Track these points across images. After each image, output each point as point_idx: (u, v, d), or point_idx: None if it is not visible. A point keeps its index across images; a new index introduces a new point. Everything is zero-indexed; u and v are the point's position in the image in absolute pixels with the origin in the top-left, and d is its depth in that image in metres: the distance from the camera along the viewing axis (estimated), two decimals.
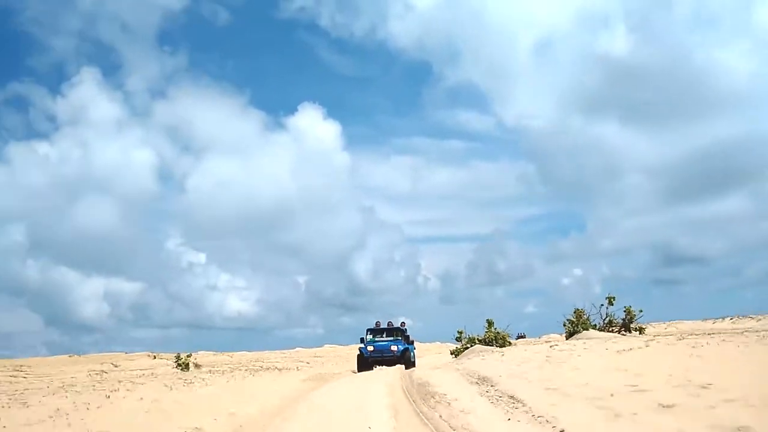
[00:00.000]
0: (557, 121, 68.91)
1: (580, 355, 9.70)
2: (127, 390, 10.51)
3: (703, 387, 5.78)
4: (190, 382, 12.22)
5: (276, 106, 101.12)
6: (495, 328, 17.26)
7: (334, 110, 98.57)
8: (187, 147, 78.48)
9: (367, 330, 19.84)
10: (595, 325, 16.05)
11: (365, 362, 18.51)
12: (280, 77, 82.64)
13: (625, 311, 15.80)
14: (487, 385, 8.51)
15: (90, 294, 55.35)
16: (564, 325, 16.11)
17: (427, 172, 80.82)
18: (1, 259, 55.72)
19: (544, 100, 73.53)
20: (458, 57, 74.55)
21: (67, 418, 7.55)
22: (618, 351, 9.38)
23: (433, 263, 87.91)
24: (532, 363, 9.75)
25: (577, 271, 70.31)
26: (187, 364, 21.09)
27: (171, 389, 10.76)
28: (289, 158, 68.71)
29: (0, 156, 69.32)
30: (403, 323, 20.58)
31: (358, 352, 19.41)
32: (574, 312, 16.07)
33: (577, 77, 65.49)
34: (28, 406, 8.75)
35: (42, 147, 65.62)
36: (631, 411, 5.40)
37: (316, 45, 78.92)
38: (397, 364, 18.06)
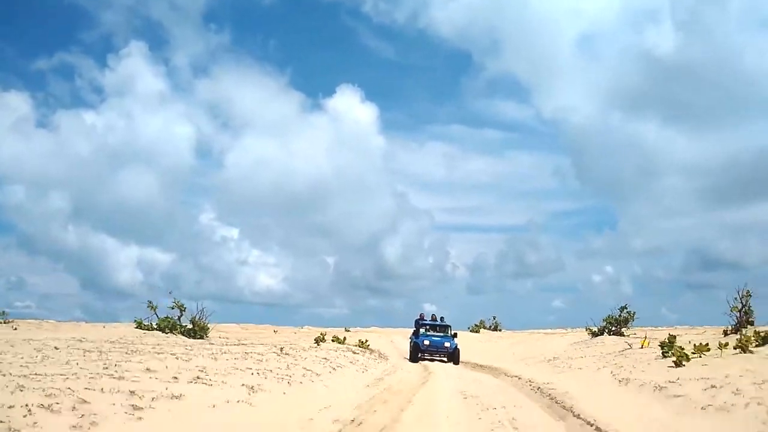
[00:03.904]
0: (596, 116, 69.58)
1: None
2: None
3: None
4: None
5: (315, 88, 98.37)
6: None
7: (372, 94, 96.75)
8: (226, 124, 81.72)
9: (420, 323, 22.38)
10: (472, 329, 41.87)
11: (419, 353, 21.07)
12: (321, 59, 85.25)
13: (480, 323, 42.37)
14: None
15: (125, 261, 59.15)
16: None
17: (462, 160, 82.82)
18: (43, 224, 58.90)
19: (584, 94, 74.13)
20: (499, 47, 75.74)
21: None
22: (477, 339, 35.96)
23: (462, 252, 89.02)
24: None
25: (609, 269, 70.59)
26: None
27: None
28: (325, 139, 71.58)
29: (47, 123, 71.29)
30: (442, 318, 23.45)
31: (413, 343, 21.92)
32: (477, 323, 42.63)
33: (620, 73, 65.27)
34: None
35: (89, 116, 68.54)
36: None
37: (358, 29, 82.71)
38: (446, 358, 20.72)
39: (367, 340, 21.19)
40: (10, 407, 4.77)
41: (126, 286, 56.20)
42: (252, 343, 16.71)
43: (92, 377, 6.86)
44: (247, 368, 9.54)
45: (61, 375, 6.88)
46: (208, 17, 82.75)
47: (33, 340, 12.68)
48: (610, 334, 25.13)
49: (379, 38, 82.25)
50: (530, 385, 9.41)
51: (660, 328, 29.86)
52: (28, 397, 5.08)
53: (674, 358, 10.70)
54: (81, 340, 13.61)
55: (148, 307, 20.96)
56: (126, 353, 10.73)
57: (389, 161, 79.59)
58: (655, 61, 58.15)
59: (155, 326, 20.06)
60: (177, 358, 10.10)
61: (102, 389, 5.98)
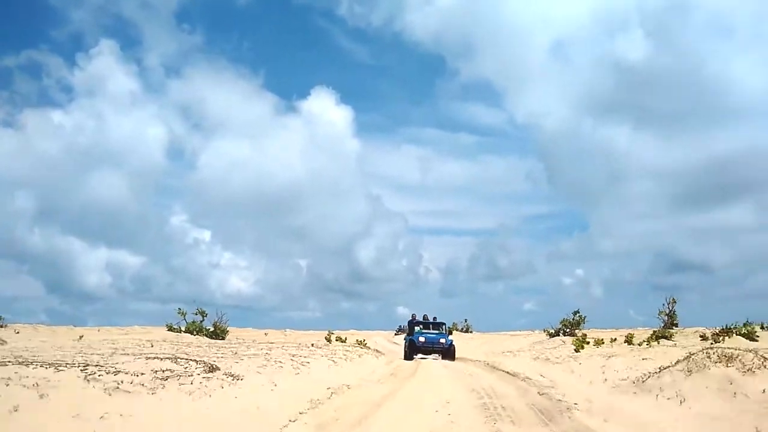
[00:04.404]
0: (568, 122, 73.18)
1: None
2: None
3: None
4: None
5: (289, 90, 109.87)
6: None
7: (347, 96, 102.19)
8: (198, 126, 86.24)
9: (415, 322, 23.35)
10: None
11: (415, 350, 21.59)
12: (295, 61, 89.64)
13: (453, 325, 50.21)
14: None
15: (93, 264, 61.55)
16: None
17: (436, 163, 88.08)
18: (8, 225, 61.31)
19: (556, 99, 78.31)
20: (473, 52, 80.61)
21: None
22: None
23: (436, 255, 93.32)
24: None
25: (579, 272, 75.19)
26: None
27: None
28: (299, 142, 74.39)
29: (13, 122, 75.05)
30: (435, 318, 24.32)
31: (408, 341, 22.60)
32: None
33: (592, 79, 69.53)
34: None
35: (57, 116, 72.88)
36: None
37: (333, 32, 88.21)
38: (442, 354, 21.29)
39: (364, 339, 28.26)
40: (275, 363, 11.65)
41: (94, 290, 58.52)
42: (272, 342, 22.97)
43: (237, 358, 13.42)
44: (309, 355, 16.34)
45: (217, 354, 13.49)
46: (181, 17, 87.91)
47: (106, 341, 18.04)
48: (564, 335, 32.74)
49: (354, 41, 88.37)
50: (484, 363, 16.72)
51: (620, 329, 34.01)
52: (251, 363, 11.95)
53: (575, 347, 18.21)
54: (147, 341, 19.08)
55: (178, 313, 27.62)
56: (209, 348, 17.07)
57: (364, 164, 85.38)
58: (625, 68, 63.92)
59: (183, 329, 26.43)
60: (259, 350, 16.79)
61: (274, 360, 12.88)
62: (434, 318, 24.77)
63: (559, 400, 8.34)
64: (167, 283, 61.18)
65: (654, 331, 24.67)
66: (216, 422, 6.59)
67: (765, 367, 6.77)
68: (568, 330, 33.36)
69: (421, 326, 23.44)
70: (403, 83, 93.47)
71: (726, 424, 5.67)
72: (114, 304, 58.93)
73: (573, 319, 33.72)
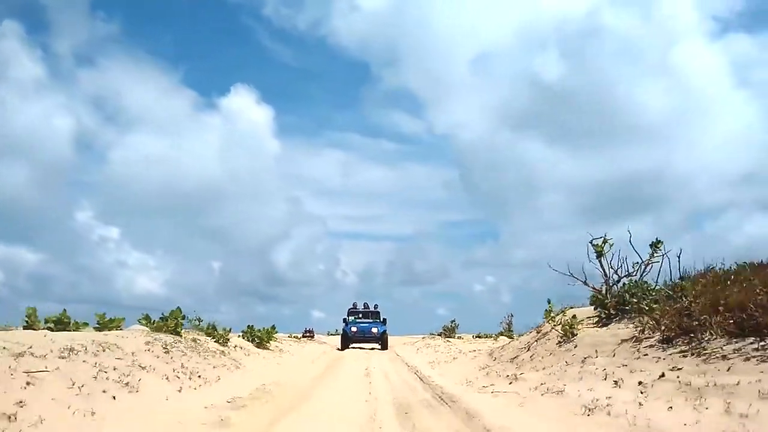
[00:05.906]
0: (485, 134, 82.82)
1: None
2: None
3: None
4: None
5: (209, 87, 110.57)
6: None
7: (268, 96, 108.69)
8: (111, 119, 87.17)
9: (349, 311, 25.47)
10: None
11: (348, 340, 23.66)
12: (217, 58, 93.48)
13: None
14: None
15: None
16: None
17: (357, 168, 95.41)
18: None
19: (475, 111, 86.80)
20: (397, 61, 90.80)
21: None
22: None
23: (353, 259, 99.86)
24: None
25: (490, 279, 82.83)
26: None
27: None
28: (217, 139, 76.95)
29: None
30: (376, 306, 26.31)
31: (342, 332, 25.23)
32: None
33: (509, 93, 78.15)
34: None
35: None
36: None
37: (257, 31, 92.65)
38: (376, 343, 23.22)
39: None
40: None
41: None
42: None
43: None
44: (301, 341, 35.99)
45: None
46: (96, 4, 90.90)
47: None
48: (445, 337, 53.67)
49: (278, 41, 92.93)
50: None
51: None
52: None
53: (429, 338, 39.20)
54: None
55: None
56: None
57: (284, 165, 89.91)
58: (542, 85, 72.84)
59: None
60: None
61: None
62: (375, 306, 28.48)
63: (393, 348, 29.07)
64: (69, 282, 61.74)
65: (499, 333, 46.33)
66: (314, 348, 26.74)
67: (433, 339, 28.00)
68: (446, 333, 54.51)
69: (359, 315, 27.21)
70: (327, 87, 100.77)
71: (421, 348, 26.04)
72: (5, 304, 56.65)
73: (450, 325, 55.11)
